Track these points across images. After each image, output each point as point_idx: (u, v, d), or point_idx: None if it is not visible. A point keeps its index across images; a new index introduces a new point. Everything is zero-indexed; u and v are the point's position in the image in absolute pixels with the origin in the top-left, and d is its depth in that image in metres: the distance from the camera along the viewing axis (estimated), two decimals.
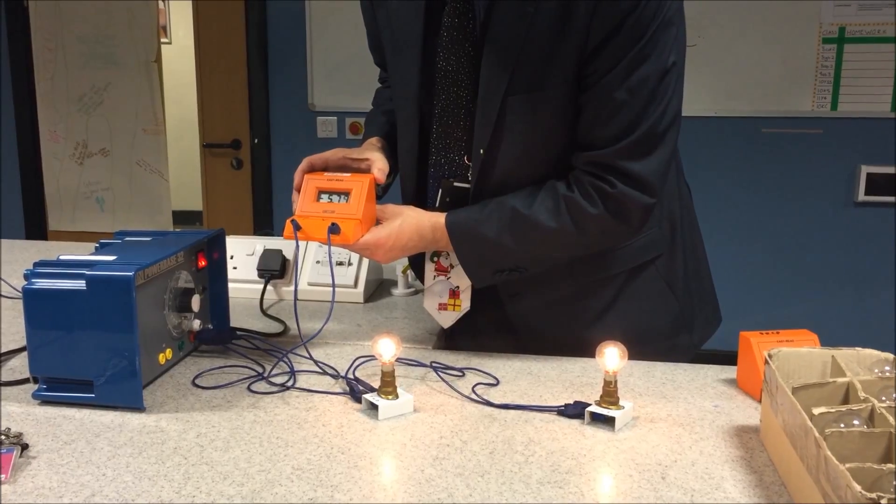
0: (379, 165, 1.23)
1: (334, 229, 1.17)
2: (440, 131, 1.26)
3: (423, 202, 1.31)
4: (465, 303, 1.30)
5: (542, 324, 1.31)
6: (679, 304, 1.33)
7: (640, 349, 1.18)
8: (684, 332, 1.35)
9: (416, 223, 1.21)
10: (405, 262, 1.63)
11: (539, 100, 1.16)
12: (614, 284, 1.29)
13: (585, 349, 1.14)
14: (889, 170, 3.40)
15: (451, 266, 1.28)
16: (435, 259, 1.30)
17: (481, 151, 1.20)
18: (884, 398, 0.86)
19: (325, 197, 1.21)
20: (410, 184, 1.32)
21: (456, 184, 1.26)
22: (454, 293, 1.30)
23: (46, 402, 1.07)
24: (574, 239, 1.19)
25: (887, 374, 0.93)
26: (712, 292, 1.44)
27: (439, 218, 1.21)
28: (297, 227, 1.19)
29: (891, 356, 0.96)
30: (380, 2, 1.30)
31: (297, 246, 1.24)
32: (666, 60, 1.12)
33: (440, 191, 1.27)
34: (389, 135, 1.37)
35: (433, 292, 1.31)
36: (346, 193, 1.20)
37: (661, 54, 1.11)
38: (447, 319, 1.32)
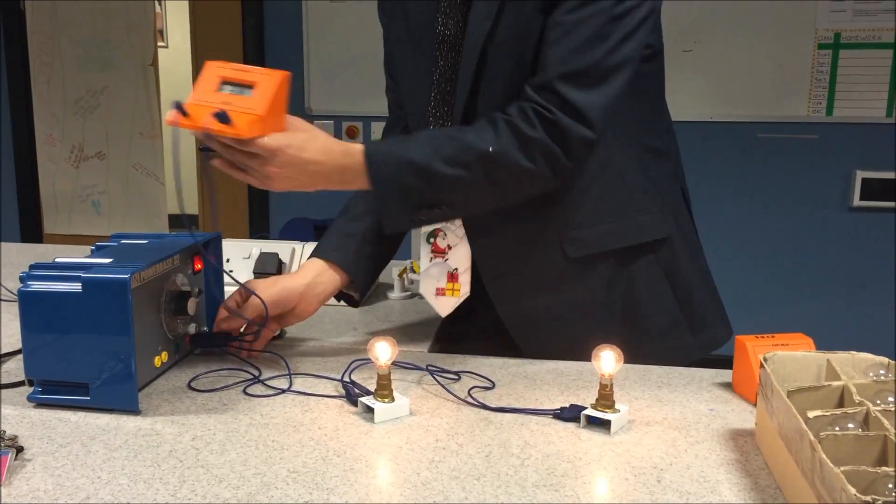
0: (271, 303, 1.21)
1: (223, 117, 1.02)
2: (438, 98, 1.24)
3: None
4: (464, 287, 1.26)
5: (530, 308, 1.28)
6: (677, 300, 1.30)
7: (635, 343, 1.17)
8: (684, 331, 1.31)
9: (324, 142, 1.11)
10: (402, 265, 1.63)
11: (520, 50, 1.15)
12: (608, 265, 1.26)
13: (581, 339, 1.13)
14: (884, 175, 3.41)
15: (449, 247, 1.25)
16: (431, 240, 1.27)
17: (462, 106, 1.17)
18: (878, 401, 0.87)
19: (227, 88, 1.06)
20: None
21: None
22: (453, 276, 1.26)
23: (42, 404, 1.07)
24: (514, 162, 1.12)
25: (882, 377, 0.93)
26: (717, 300, 1.39)
27: (355, 144, 1.13)
28: (182, 113, 1.03)
29: (885, 360, 0.96)
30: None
31: (177, 135, 1.03)
32: (624, 4, 1.11)
33: None
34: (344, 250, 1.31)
35: (430, 276, 1.27)
36: (251, 87, 1.06)
37: None
38: (445, 306, 1.28)
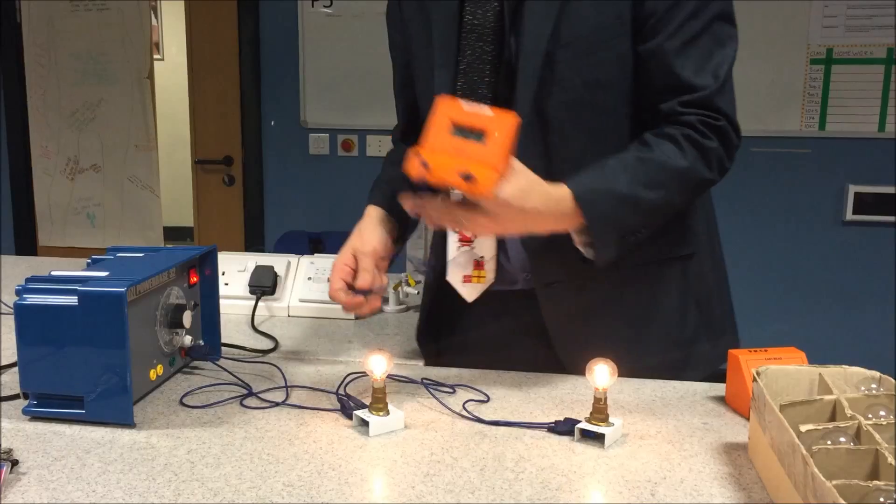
0: (365, 249, 1.25)
1: (468, 177, 1.00)
2: (465, 88, 1.25)
3: None
4: (489, 274, 1.27)
5: (570, 305, 1.28)
6: (698, 310, 1.32)
7: (647, 354, 1.21)
8: (703, 338, 1.32)
9: (544, 190, 1.08)
10: (397, 278, 1.64)
11: (588, 50, 1.17)
12: (645, 273, 1.27)
13: (582, 349, 1.13)
14: (877, 189, 3.43)
15: (475, 235, 1.25)
16: (458, 229, 1.27)
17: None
18: (870, 415, 0.87)
19: (459, 132, 1.03)
20: None
21: None
22: (479, 264, 1.26)
23: (37, 417, 1.07)
24: (701, 175, 1.18)
25: (874, 391, 0.94)
26: (731, 309, 1.42)
27: (561, 187, 1.11)
28: (424, 165, 1.01)
29: (877, 374, 0.97)
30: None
31: (425, 186, 1.02)
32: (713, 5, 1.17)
33: None
34: (395, 196, 1.30)
35: (457, 264, 1.29)
36: (483, 134, 1.02)
37: None
38: (472, 292, 1.30)
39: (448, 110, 1.04)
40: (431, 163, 1.01)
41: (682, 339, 1.31)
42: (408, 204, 1.10)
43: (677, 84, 1.17)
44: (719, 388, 1.19)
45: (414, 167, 1.02)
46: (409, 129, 1.43)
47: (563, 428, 1.04)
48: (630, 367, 1.21)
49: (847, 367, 0.98)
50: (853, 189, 3.44)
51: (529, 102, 1.19)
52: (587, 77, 1.18)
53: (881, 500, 0.72)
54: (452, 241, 1.28)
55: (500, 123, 1.03)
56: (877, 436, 0.81)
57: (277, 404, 1.14)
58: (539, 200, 1.07)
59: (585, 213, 1.10)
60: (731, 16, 1.19)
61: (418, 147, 1.02)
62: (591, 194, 1.11)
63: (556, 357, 1.29)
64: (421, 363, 1.35)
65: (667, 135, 1.17)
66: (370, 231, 1.29)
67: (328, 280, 1.29)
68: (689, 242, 1.30)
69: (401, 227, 1.35)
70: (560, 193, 1.10)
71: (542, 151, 1.21)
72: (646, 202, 1.14)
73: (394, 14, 1.37)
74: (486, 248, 1.26)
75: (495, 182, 1.01)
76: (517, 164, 1.06)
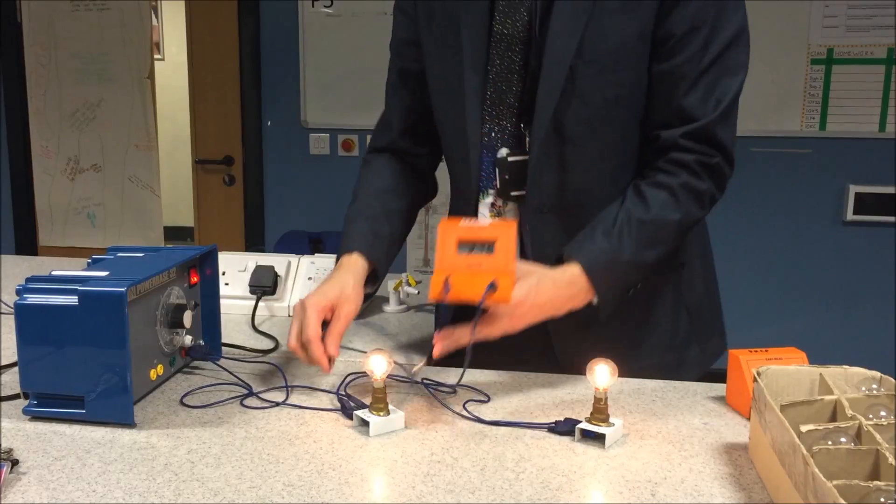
0: (348, 309, 1.18)
1: (492, 287, 1.05)
2: (494, 97, 1.25)
3: (475, 175, 1.27)
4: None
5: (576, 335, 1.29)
6: (689, 316, 1.34)
7: (641, 357, 1.23)
8: (693, 343, 1.35)
9: (552, 279, 1.13)
10: (397, 278, 1.63)
11: (610, 67, 1.17)
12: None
13: (581, 354, 1.13)
14: (877, 189, 3.43)
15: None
16: None
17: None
18: (871, 416, 0.87)
19: (464, 249, 1.08)
20: (475, 153, 1.27)
21: (510, 158, 1.24)
22: None
23: (37, 417, 1.07)
24: (694, 219, 1.21)
25: (874, 391, 0.94)
26: (720, 313, 1.44)
27: (570, 269, 1.14)
28: (446, 286, 1.06)
29: (878, 374, 0.97)
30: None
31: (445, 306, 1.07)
32: (742, 20, 1.16)
33: (496, 170, 1.25)
34: (377, 237, 1.31)
35: None
36: (491, 245, 1.08)
37: (737, 12, 1.16)
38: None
39: (449, 231, 1.09)
40: (453, 282, 1.06)
41: (675, 343, 1.34)
42: (438, 350, 1.12)
43: (679, 109, 1.17)
44: (719, 388, 1.19)
45: (436, 291, 1.06)
46: (407, 134, 1.42)
47: (564, 428, 1.04)
48: (626, 370, 1.22)
49: (847, 367, 0.98)
50: (853, 189, 3.45)
51: (549, 114, 1.19)
52: (608, 94, 1.18)
53: (882, 500, 0.72)
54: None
55: (501, 231, 1.08)
56: (877, 436, 0.81)
57: (278, 404, 1.14)
58: (551, 290, 1.12)
59: (596, 288, 1.15)
60: (745, 37, 1.18)
61: (435, 271, 1.07)
62: (600, 266, 1.15)
63: (556, 359, 1.29)
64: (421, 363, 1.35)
65: (662, 185, 1.18)
66: (352, 293, 1.21)
67: (303, 304, 1.17)
68: (682, 254, 1.32)
69: (375, 275, 1.31)
70: (569, 276, 1.14)
71: (557, 164, 1.22)
72: (648, 262, 1.19)
73: (408, 10, 1.36)
74: None
75: (512, 285, 1.06)
76: (520, 263, 1.11)
